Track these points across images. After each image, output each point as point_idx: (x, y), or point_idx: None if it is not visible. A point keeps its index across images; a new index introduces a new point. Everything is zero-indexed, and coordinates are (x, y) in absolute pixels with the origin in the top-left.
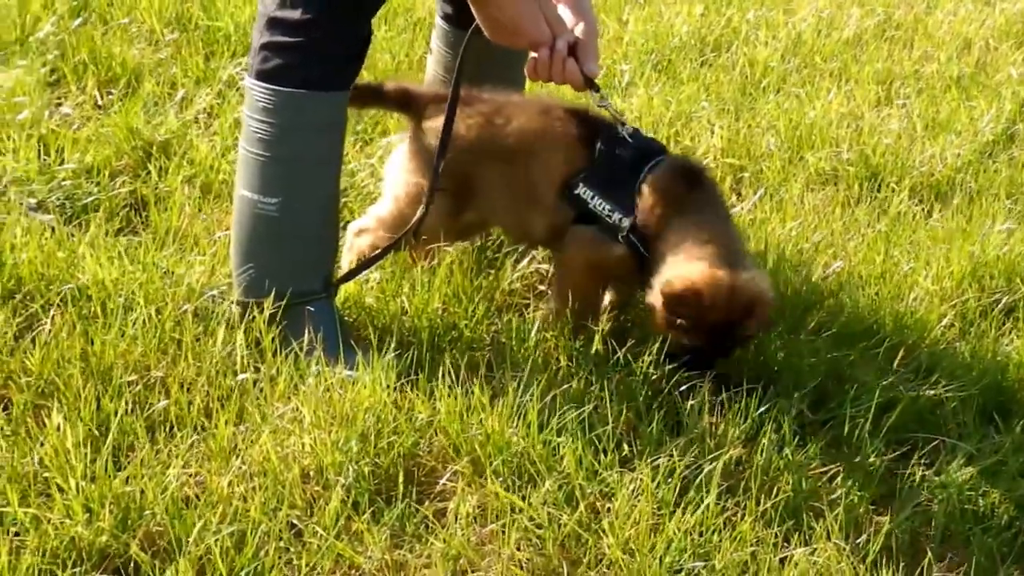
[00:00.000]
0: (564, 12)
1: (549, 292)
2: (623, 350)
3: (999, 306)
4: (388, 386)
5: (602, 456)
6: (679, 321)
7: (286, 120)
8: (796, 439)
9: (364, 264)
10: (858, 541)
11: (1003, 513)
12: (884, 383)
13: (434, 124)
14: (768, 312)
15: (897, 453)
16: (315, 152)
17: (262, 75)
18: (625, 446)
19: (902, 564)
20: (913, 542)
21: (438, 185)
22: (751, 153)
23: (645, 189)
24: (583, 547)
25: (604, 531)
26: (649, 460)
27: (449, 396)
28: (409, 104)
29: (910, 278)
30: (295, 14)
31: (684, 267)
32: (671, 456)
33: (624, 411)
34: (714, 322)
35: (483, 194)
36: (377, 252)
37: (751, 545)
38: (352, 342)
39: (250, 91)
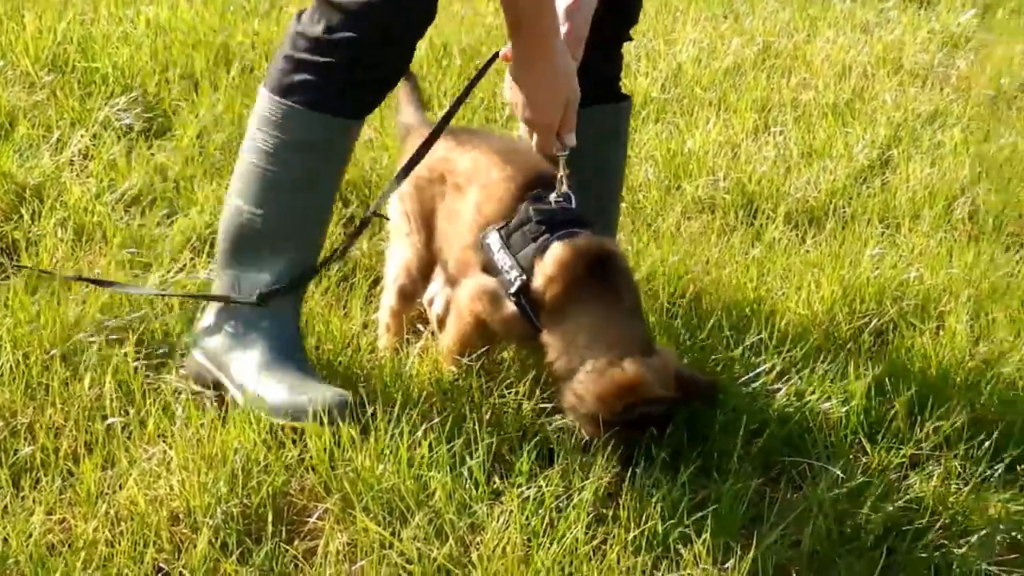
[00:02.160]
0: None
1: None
2: (496, 382)
3: (869, 328)
4: (257, 425)
5: (473, 489)
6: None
7: (291, 137)
8: (668, 466)
9: (352, 235)
10: (726, 566)
11: (870, 533)
12: (755, 407)
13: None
14: (693, 380)
15: (766, 477)
16: (313, 173)
17: (276, 88)
18: (496, 479)
19: None
20: (781, 565)
21: (375, 212)
22: (629, 184)
23: (548, 258)
24: None
25: (474, 564)
26: (519, 492)
27: (319, 434)
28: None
29: (782, 303)
30: (319, 30)
31: (610, 373)
32: (541, 487)
33: (495, 444)
34: (651, 413)
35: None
36: (330, 254)
37: (620, 574)
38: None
39: (260, 100)
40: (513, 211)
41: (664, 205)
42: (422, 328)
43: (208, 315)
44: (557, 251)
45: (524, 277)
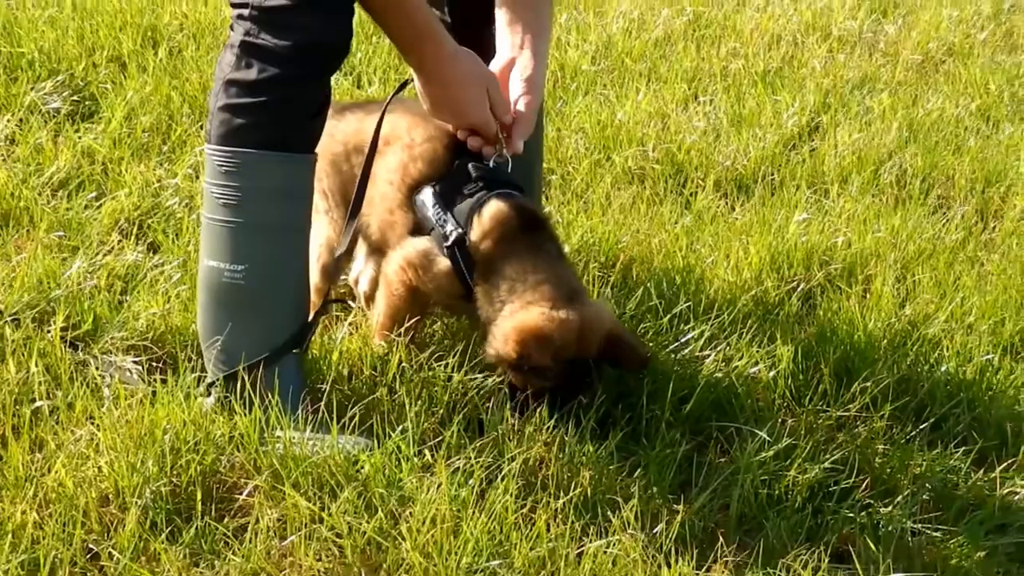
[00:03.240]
0: (516, 79)
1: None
2: (426, 355)
3: (796, 292)
4: (186, 404)
5: (403, 463)
6: (533, 368)
7: (250, 183)
8: (597, 434)
9: (316, 315)
10: (655, 531)
11: (796, 496)
12: (684, 373)
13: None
14: (623, 341)
15: (695, 442)
16: (282, 216)
17: (222, 138)
18: (426, 452)
19: (696, 551)
20: (709, 529)
21: (350, 229)
22: (560, 156)
23: (485, 212)
24: (383, 553)
25: (403, 536)
26: (449, 463)
27: (248, 411)
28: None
29: (711, 271)
30: (252, 74)
31: (525, 314)
32: (470, 459)
33: (424, 417)
34: (568, 362)
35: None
36: (321, 305)
37: (549, 541)
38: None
39: (210, 157)
40: (443, 170)
41: (594, 176)
42: (351, 304)
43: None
44: (495, 207)
45: (461, 229)
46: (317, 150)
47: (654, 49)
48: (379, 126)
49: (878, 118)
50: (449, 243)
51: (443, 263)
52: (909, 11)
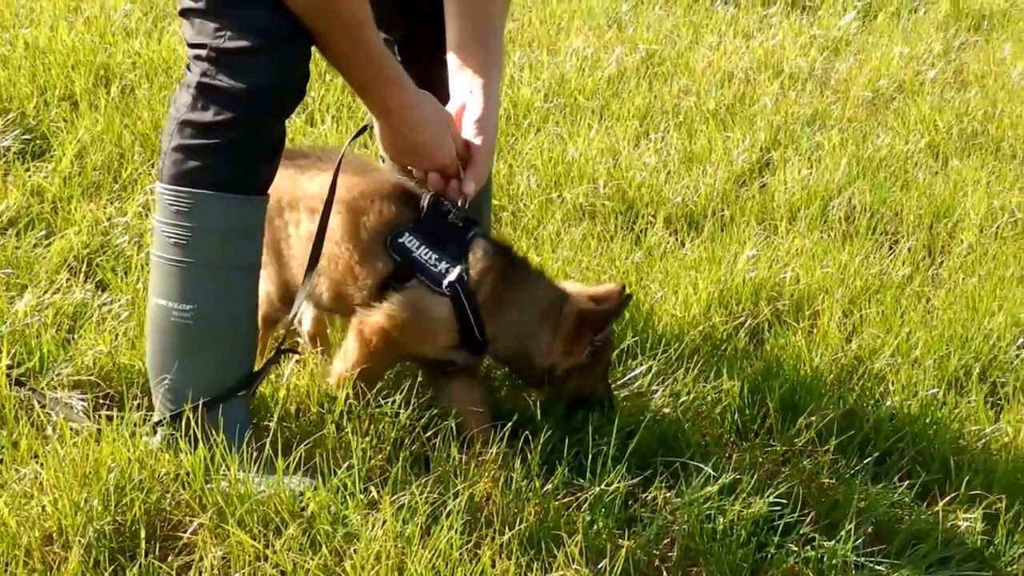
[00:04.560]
0: (468, 122)
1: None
2: (372, 392)
3: (744, 328)
4: (132, 442)
5: (348, 499)
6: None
7: (201, 223)
8: (543, 469)
9: (267, 364)
10: (599, 566)
11: (740, 530)
12: (630, 409)
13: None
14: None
15: (641, 477)
16: (232, 257)
17: (175, 178)
18: (372, 488)
19: None
20: (653, 563)
21: (315, 267)
22: (511, 193)
23: (480, 251)
24: None
25: (348, 573)
26: (394, 500)
27: (193, 449)
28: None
29: (660, 306)
30: (208, 116)
31: (573, 306)
32: (415, 495)
33: (371, 453)
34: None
35: (300, 258)
36: (273, 354)
37: None
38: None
39: (162, 196)
40: (405, 215)
41: (545, 213)
42: (303, 352)
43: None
44: (487, 245)
45: (464, 267)
46: None
47: (607, 86)
48: (335, 179)
49: (828, 154)
50: (450, 281)
51: (440, 305)
52: (860, 49)
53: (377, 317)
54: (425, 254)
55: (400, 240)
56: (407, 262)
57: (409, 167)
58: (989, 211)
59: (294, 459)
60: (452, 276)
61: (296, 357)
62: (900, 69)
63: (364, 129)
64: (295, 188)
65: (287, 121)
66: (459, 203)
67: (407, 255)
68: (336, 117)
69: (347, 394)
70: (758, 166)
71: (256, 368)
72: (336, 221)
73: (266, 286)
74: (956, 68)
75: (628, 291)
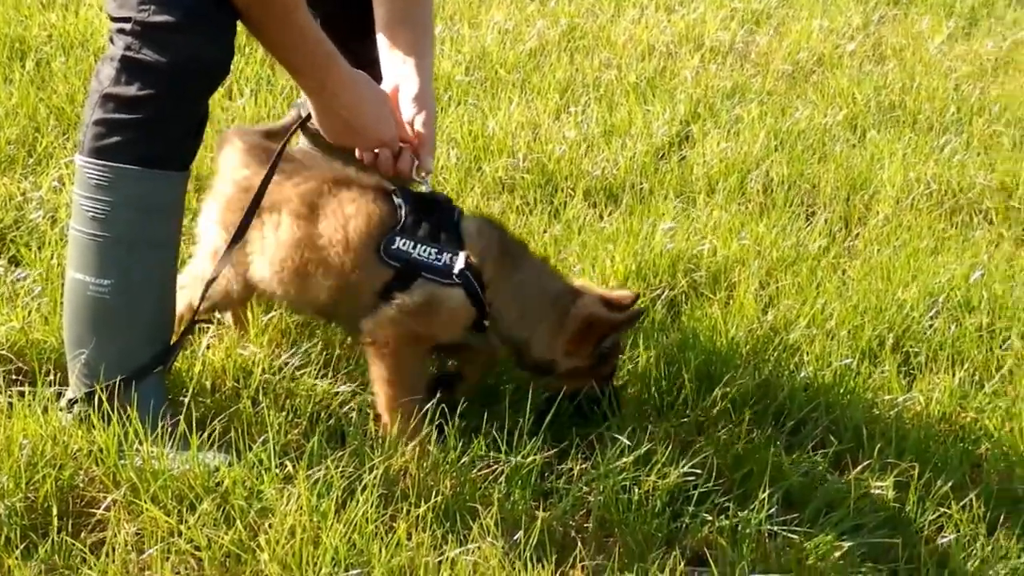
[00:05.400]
0: (406, 99)
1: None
2: (290, 367)
3: (662, 299)
4: (44, 418)
5: (263, 474)
6: (602, 352)
7: (121, 198)
8: (459, 442)
9: (181, 337)
10: (515, 537)
11: (655, 499)
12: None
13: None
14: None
15: (557, 449)
16: (151, 233)
17: (96, 152)
18: (287, 463)
19: (555, 556)
20: (569, 534)
21: (234, 249)
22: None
23: (474, 232)
24: (242, 565)
25: (262, 548)
26: (310, 474)
27: (107, 425)
28: (249, 152)
29: (578, 279)
30: (132, 90)
31: (582, 311)
32: (331, 469)
33: (287, 427)
34: (611, 344)
35: (263, 257)
36: (187, 326)
37: (409, 550)
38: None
39: (82, 169)
40: (386, 219)
41: (465, 187)
42: (219, 323)
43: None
44: (479, 225)
45: (466, 253)
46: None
47: (528, 60)
48: (276, 161)
49: (747, 127)
50: (459, 270)
51: (455, 295)
52: (781, 22)
53: (386, 320)
54: (424, 252)
55: (394, 247)
56: (408, 265)
57: (350, 147)
58: (905, 183)
59: (209, 434)
60: (460, 264)
61: (211, 330)
62: (819, 42)
63: (307, 119)
64: (279, 191)
65: None
66: (422, 179)
67: (406, 258)
68: (255, 91)
69: (263, 368)
70: (678, 139)
71: (172, 343)
72: (320, 228)
73: (206, 267)
74: (875, 41)
75: (641, 303)
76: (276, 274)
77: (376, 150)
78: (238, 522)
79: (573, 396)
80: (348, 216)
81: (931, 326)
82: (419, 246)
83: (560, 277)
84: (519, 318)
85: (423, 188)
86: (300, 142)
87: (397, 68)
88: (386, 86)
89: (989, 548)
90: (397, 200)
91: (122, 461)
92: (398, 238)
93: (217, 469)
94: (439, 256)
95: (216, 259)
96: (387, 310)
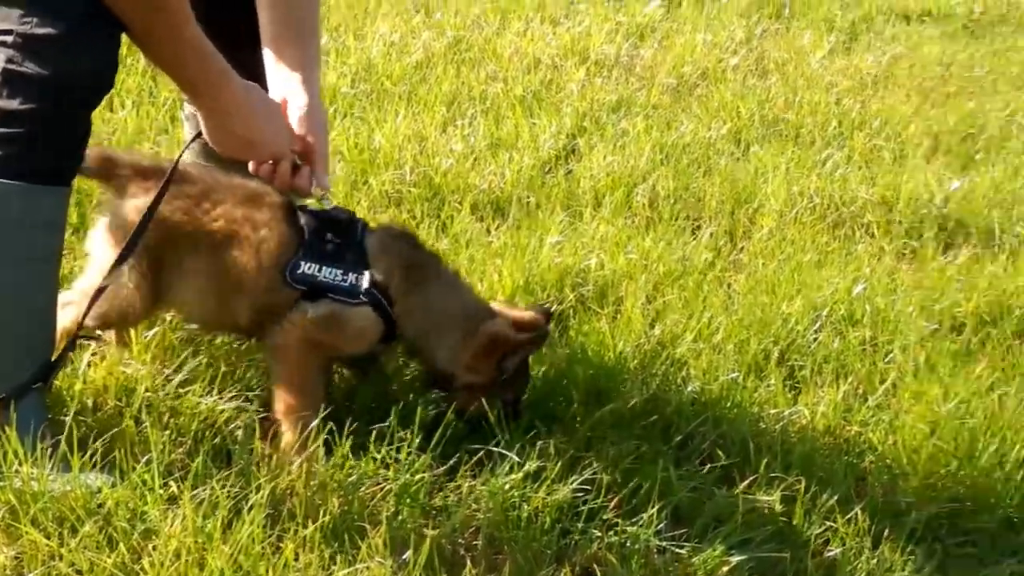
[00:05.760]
0: (295, 115)
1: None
2: (174, 383)
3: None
4: None
5: (147, 495)
6: (504, 371)
7: (2, 213)
8: (347, 460)
9: (63, 352)
10: (403, 557)
11: (545, 516)
12: (432, 398)
13: (136, 202)
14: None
15: (446, 466)
16: (32, 248)
17: None
18: (172, 483)
19: (445, 574)
20: (459, 553)
21: (123, 266)
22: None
23: (376, 247)
24: None
25: (146, 571)
26: (194, 495)
27: None
28: (111, 175)
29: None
30: (13, 104)
31: (491, 328)
32: (216, 489)
33: (171, 447)
34: (514, 362)
35: (182, 282)
36: (69, 342)
37: (296, 571)
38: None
39: None
40: (295, 238)
41: (351, 200)
42: (102, 340)
43: None
44: (384, 241)
45: (370, 272)
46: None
47: (414, 72)
48: (170, 176)
49: (632, 141)
50: (365, 288)
51: (362, 313)
52: (665, 35)
53: (296, 326)
54: (329, 274)
55: (299, 272)
56: (313, 287)
57: (243, 161)
58: (788, 197)
59: (91, 454)
60: (364, 284)
61: (93, 347)
62: (703, 56)
63: (198, 135)
64: (191, 214)
65: None
66: (321, 196)
67: (311, 281)
68: (136, 103)
69: (146, 386)
70: (564, 152)
71: (53, 359)
72: (235, 252)
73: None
74: (758, 56)
75: (550, 325)
76: (196, 297)
77: (273, 163)
78: (121, 545)
79: (461, 413)
80: (261, 240)
81: (816, 339)
82: (324, 269)
83: (472, 292)
84: (426, 331)
85: (325, 205)
86: (190, 156)
87: (283, 83)
88: (274, 98)
89: (874, 561)
90: (302, 220)
91: (0, 483)
92: (302, 262)
93: (99, 490)
94: (344, 277)
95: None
96: (295, 316)
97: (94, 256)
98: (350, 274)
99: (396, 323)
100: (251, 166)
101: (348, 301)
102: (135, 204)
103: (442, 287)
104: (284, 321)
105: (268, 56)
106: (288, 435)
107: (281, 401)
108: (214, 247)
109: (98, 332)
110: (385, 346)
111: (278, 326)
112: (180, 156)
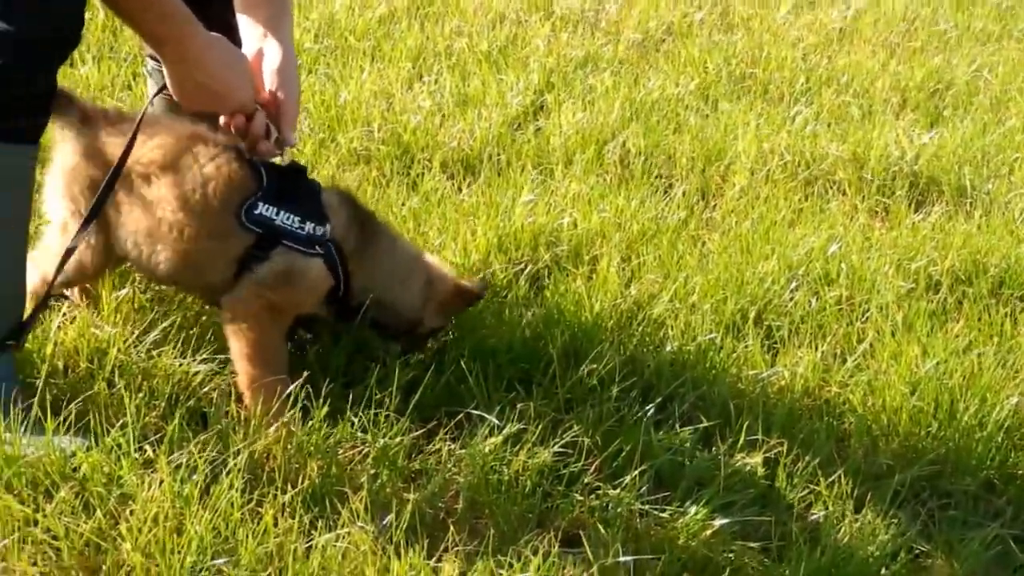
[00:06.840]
0: (268, 71)
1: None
2: (146, 345)
3: (524, 274)
4: None
5: (123, 459)
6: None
7: None
8: (325, 424)
9: (34, 313)
10: (385, 521)
11: (525, 479)
12: (409, 360)
13: (103, 148)
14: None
15: (425, 429)
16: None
17: None
18: (147, 447)
19: (426, 540)
20: (439, 517)
21: (93, 220)
22: None
23: (335, 202)
24: (103, 555)
25: (123, 536)
26: (171, 459)
27: None
28: (85, 121)
29: (439, 253)
30: None
31: (445, 286)
32: (193, 453)
33: (146, 410)
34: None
35: (127, 227)
36: (39, 303)
37: (276, 536)
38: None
39: None
40: (252, 181)
41: (319, 158)
42: (68, 295)
43: None
44: (340, 197)
45: (330, 223)
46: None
47: (378, 27)
48: (133, 137)
49: (601, 97)
50: (323, 237)
51: (315, 264)
52: None
53: (252, 294)
54: (287, 219)
55: (256, 212)
56: (269, 231)
57: (209, 113)
58: (759, 154)
59: (64, 418)
60: (326, 233)
61: (64, 309)
62: (668, 11)
63: (163, 88)
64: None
65: None
66: (282, 151)
67: (269, 224)
68: (97, 58)
69: (118, 348)
70: (532, 109)
71: (24, 320)
72: (177, 190)
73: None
74: (723, 10)
75: (504, 277)
76: (130, 236)
77: (246, 119)
78: (97, 510)
79: (406, 352)
80: (208, 177)
81: (792, 299)
82: (282, 213)
83: (408, 243)
84: (386, 284)
85: (278, 159)
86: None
87: (255, 37)
88: (247, 53)
89: (857, 525)
90: (259, 166)
91: None
92: (261, 203)
93: (74, 454)
94: (302, 225)
95: (66, 232)
96: (246, 283)
97: (51, 214)
98: (308, 223)
99: (348, 278)
100: (221, 120)
101: (303, 250)
102: (103, 149)
103: (393, 241)
104: (237, 288)
105: (240, 11)
106: (257, 408)
107: (244, 374)
108: (151, 181)
109: (64, 291)
110: (327, 307)
111: (230, 294)
112: (144, 111)
